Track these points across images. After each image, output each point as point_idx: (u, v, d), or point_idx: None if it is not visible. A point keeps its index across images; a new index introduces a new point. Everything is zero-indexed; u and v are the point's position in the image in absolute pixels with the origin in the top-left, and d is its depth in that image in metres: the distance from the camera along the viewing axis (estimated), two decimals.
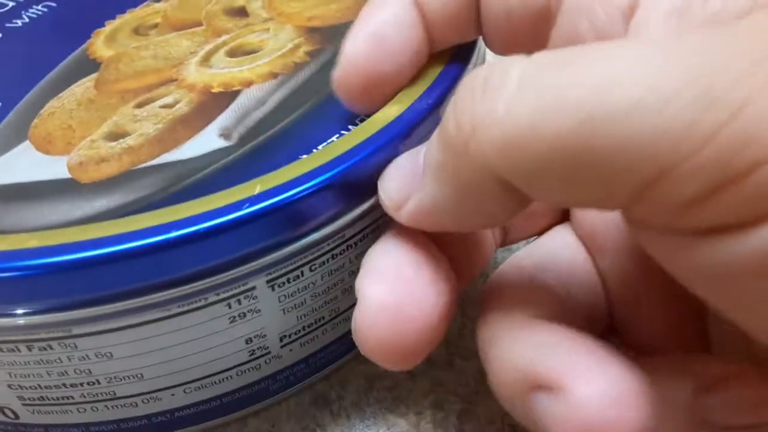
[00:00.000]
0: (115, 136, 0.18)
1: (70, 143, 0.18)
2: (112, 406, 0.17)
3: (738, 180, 0.09)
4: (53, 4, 0.25)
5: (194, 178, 0.16)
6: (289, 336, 0.18)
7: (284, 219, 0.15)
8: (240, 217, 0.14)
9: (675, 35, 0.11)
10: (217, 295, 0.15)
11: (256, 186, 0.15)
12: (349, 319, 0.19)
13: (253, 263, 0.15)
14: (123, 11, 0.24)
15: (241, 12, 0.23)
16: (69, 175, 0.17)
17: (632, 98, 0.10)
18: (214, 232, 0.14)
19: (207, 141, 0.18)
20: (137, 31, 0.23)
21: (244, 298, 0.16)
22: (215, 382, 0.18)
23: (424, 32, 0.17)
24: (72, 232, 0.14)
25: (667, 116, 0.09)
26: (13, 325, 0.14)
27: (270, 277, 0.16)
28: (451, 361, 0.20)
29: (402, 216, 0.14)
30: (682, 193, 0.10)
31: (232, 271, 0.15)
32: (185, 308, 0.15)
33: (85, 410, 0.17)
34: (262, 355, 0.18)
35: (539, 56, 0.11)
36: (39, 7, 0.25)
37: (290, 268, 0.16)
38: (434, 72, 0.18)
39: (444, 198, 0.13)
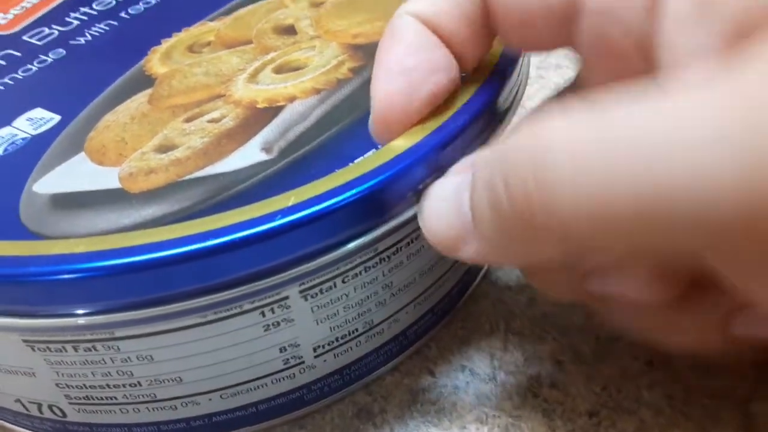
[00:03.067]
0: (164, 148, 0.19)
1: (122, 155, 0.19)
2: (152, 408, 0.18)
3: None
4: (115, 23, 0.26)
5: (235, 189, 0.17)
6: (323, 347, 0.18)
7: (316, 231, 0.15)
8: (273, 228, 0.15)
9: (715, 78, 0.10)
10: (252, 303, 0.16)
11: (290, 198, 0.15)
12: (383, 332, 0.19)
13: (286, 273, 0.16)
14: (179, 29, 0.25)
15: (290, 30, 0.24)
16: (119, 186, 0.18)
17: (695, 170, 0.09)
18: (248, 242, 0.15)
19: (250, 154, 0.18)
20: (191, 49, 0.24)
21: (278, 307, 0.16)
22: (251, 389, 0.18)
23: (446, 50, 0.17)
24: (116, 239, 0.15)
25: (734, 180, 0.09)
26: (59, 326, 0.15)
27: (303, 287, 0.16)
28: (495, 375, 0.20)
29: (460, 257, 0.15)
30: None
31: (265, 280, 0.15)
32: (221, 315, 0.16)
33: (128, 411, 0.18)
34: (296, 365, 0.18)
35: (579, 127, 0.11)
36: (101, 26, 0.26)
37: (323, 279, 0.17)
38: (474, 85, 0.18)
39: (504, 251, 0.14)
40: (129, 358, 0.16)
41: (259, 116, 0.20)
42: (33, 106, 0.22)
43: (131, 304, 0.15)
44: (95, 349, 0.16)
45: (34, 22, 0.27)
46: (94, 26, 0.26)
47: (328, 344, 0.18)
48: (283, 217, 0.15)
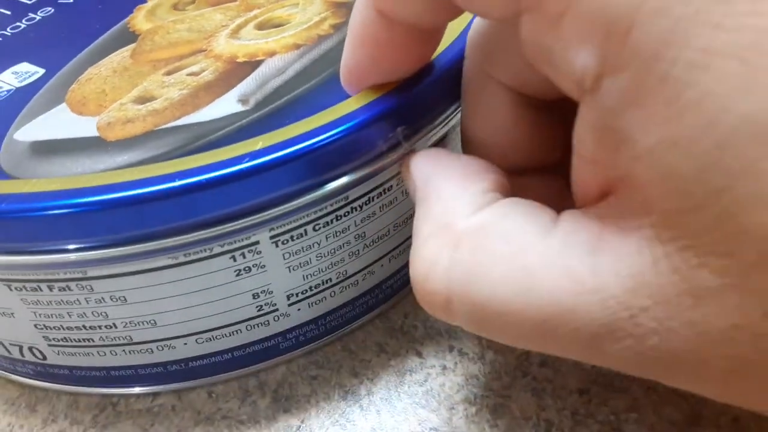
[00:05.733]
0: (143, 100, 0.19)
1: (102, 106, 0.19)
2: (129, 351, 0.18)
3: None
4: None
5: (210, 137, 0.17)
6: (296, 295, 0.19)
7: (284, 175, 0.16)
8: (241, 170, 0.15)
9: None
10: (222, 246, 0.16)
11: (259, 142, 0.16)
12: (358, 283, 0.20)
13: (255, 216, 0.16)
14: None
15: None
16: (97, 134, 0.18)
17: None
18: (216, 183, 0.15)
19: (226, 105, 0.19)
20: (176, 7, 0.24)
21: (249, 252, 0.17)
22: (226, 335, 0.19)
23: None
24: (88, 179, 0.15)
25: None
26: (33, 263, 0.16)
27: (273, 233, 0.17)
28: (484, 355, 0.20)
29: None
30: None
31: (234, 223, 0.16)
32: (192, 257, 0.16)
33: (105, 353, 0.18)
34: (270, 312, 0.19)
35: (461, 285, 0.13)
36: None
37: (293, 225, 0.17)
38: (449, 38, 0.18)
39: None
40: (103, 298, 0.17)
41: (238, 70, 0.20)
42: (19, 61, 0.22)
43: (102, 242, 0.15)
44: (69, 289, 0.16)
45: None
46: None
47: (302, 293, 0.19)
48: (251, 159, 0.15)
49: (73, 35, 0.23)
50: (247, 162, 0.15)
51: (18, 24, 0.24)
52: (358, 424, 0.19)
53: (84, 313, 0.17)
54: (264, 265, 0.17)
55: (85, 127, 0.18)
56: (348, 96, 0.18)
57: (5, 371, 0.20)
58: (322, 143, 0.16)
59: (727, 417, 0.18)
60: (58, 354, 0.18)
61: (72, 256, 0.15)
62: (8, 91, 0.21)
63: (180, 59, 0.21)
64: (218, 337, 0.18)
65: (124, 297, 0.17)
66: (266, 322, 0.19)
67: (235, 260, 0.17)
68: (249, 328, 0.19)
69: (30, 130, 0.19)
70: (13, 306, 0.17)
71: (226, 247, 0.16)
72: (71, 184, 0.15)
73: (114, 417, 0.19)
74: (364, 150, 0.16)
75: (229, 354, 0.19)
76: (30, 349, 0.19)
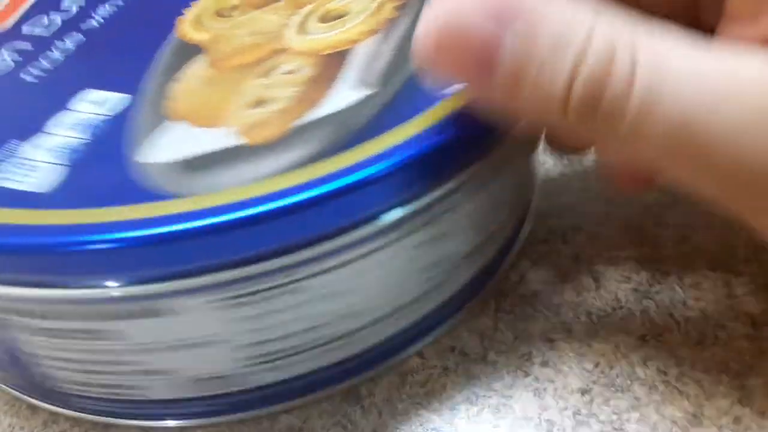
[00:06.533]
0: (260, 103, 0.19)
1: (217, 116, 0.19)
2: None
3: None
4: (120, 3, 0.25)
5: (355, 127, 0.17)
6: None
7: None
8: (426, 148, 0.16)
9: None
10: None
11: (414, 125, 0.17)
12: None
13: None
14: None
15: None
16: (240, 142, 0.18)
17: None
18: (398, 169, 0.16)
19: (347, 94, 0.19)
20: (220, 14, 0.24)
21: None
22: None
23: None
24: (260, 187, 0.16)
25: None
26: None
27: None
28: (486, 355, 0.20)
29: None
30: None
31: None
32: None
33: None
34: None
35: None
36: (107, 7, 0.25)
37: None
38: None
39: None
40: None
41: (332, 61, 0.20)
42: (86, 89, 0.21)
43: (311, 240, 0.16)
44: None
45: (26, 14, 0.25)
46: (100, 8, 0.25)
47: None
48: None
49: (126, 57, 0.22)
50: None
51: (54, 56, 0.23)
52: (360, 425, 0.19)
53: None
54: None
55: (219, 138, 0.18)
56: None
57: None
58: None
59: (729, 417, 0.18)
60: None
61: (281, 261, 0.15)
62: (101, 118, 0.20)
63: (259, 63, 0.21)
64: None
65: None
66: None
67: None
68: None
69: (155, 151, 0.18)
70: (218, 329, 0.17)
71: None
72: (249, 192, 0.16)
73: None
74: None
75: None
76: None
